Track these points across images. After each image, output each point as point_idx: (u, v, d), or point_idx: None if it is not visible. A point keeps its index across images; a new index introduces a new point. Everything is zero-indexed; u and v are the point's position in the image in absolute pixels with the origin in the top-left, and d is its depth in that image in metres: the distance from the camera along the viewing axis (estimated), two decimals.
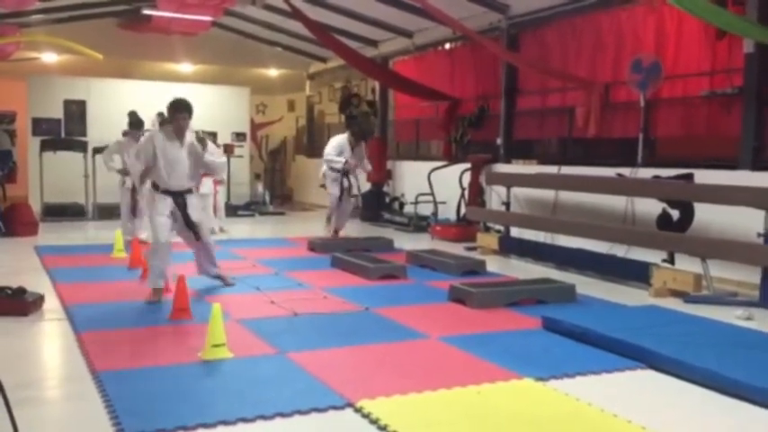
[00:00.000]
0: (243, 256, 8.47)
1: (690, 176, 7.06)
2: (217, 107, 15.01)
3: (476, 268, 7.58)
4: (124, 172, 9.36)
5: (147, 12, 12.40)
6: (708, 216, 6.89)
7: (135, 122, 9.47)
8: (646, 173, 7.70)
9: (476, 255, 8.71)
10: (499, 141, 10.58)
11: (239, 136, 15.45)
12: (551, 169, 9.03)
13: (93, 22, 13.08)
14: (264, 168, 18.51)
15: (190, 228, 6.15)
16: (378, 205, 12.98)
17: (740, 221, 6.51)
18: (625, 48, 8.59)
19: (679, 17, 7.88)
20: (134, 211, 9.32)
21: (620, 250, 7.65)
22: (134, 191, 9.21)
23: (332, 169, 9.82)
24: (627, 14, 8.65)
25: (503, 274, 7.58)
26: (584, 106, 8.82)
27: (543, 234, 8.92)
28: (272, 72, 17.32)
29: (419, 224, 11.40)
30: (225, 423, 3.28)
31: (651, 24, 8.28)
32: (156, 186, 6.03)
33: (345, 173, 9.82)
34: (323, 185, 10.26)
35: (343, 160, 9.70)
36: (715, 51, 7.59)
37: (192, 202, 6.18)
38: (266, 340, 4.72)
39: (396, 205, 12.89)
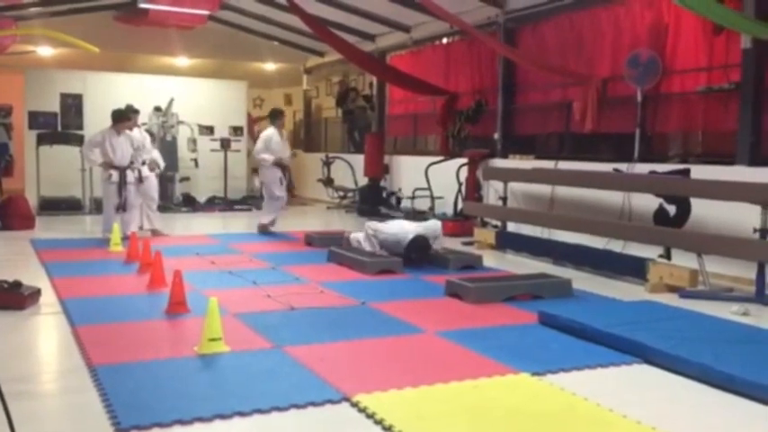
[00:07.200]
0: (240, 251, 8.46)
1: (687, 172, 7.06)
2: (214, 101, 15.00)
3: (472, 263, 7.59)
4: (106, 165, 9.13)
5: (143, 5, 12.35)
6: (704, 211, 6.89)
7: (115, 115, 9.24)
8: (642, 168, 7.70)
9: (473, 250, 8.72)
10: (496, 136, 10.58)
11: (236, 130, 15.42)
12: (548, 164, 9.03)
13: (90, 16, 13.03)
14: None
15: None
16: (375, 200, 12.98)
17: (736, 217, 6.52)
18: (622, 43, 8.58)
19: (676, 13, 7.88)
20: (124, 206, 9.10)
21: (616, 245, 7.65)
22: (121, 186, 9.09)
23: None
24: (625, 10, 8.64)
25: (499, 268, 7.59)
26: (582, 101, 8.82)
27: (540, 229, 8.91)
28: (269, 66, 17.29)
29: (416, 219, 11.37)
30: (221, 417, 3.29)
31: (648, 20, 8.27)
32: None
33: None
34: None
35: None
36: (712, 47, 7.59)
37: None
38: (263, 334, 4.72)
39: (393, 200, 12.89)
